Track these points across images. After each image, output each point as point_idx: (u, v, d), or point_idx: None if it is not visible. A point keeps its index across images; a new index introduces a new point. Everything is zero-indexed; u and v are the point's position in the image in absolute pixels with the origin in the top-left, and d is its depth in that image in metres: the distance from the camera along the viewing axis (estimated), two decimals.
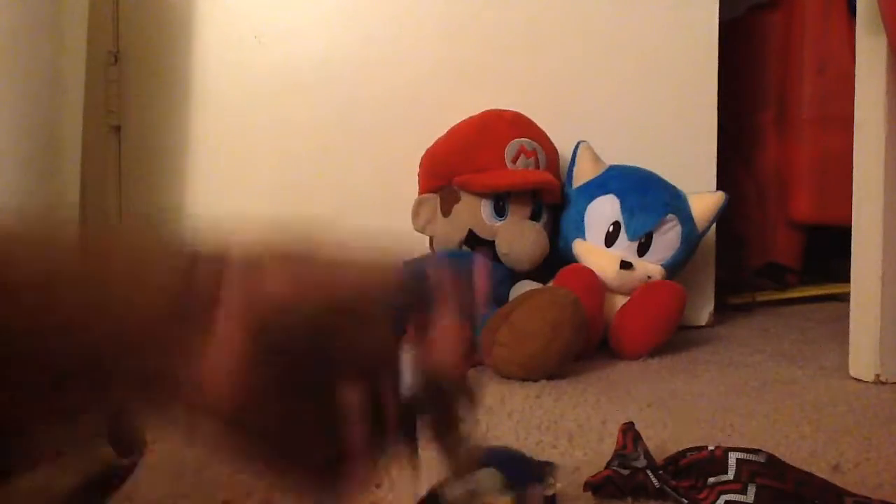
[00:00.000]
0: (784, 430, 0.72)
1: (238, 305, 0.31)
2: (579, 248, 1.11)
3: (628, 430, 0.60)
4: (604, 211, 1.11)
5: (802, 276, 1.47)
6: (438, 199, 1.12)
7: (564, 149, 1.17)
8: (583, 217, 1.12)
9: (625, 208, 1.10)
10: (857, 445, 0.67)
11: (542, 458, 0.64)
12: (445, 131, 1.15)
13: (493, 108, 1.15)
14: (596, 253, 1.10)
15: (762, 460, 0.54)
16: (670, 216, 1.10)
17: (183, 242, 0.35)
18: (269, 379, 0.30)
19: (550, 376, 0.91)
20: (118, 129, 1.32)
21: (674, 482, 0.55)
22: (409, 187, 1.16)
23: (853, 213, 0.89)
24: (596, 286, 1.04)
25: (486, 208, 1.08)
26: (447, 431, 0.39)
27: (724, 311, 1.32)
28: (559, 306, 0.90)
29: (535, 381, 0.90)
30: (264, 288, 0.31)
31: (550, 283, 1.04)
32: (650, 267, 1.09)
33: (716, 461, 0.54)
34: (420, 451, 0.38)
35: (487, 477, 0.38)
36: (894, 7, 0.79)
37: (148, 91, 1.31)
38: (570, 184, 1.15)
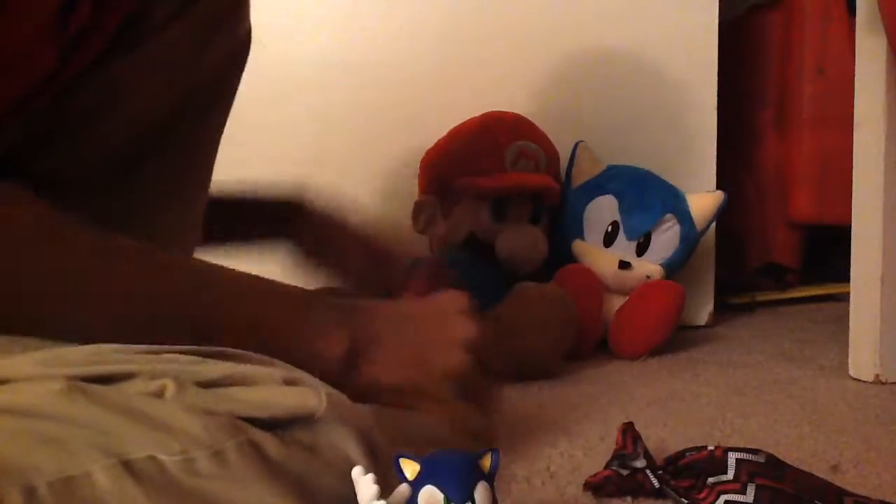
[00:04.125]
0: (784, 430, 0.72)
1: None
2: (578, 248, 1.11)
3: (628, 430, 0.60)
4: (602, 211, 1.11)
5: (802, 276, 1.47)
6: (438, 202, 1.11)
7: (563, 149, 1.17)
8: (581, 217, 1.12)
9: (623, 208, 1.10)
10: (857, 445, 0.67)
11: (542, 458, 0.64)
12: (446, 133, 1.15)
13: (494, 108, 1.15)
14: (594, 253, 1.10)
15: (762, 460, 0.54)
16: (669, 216, 1.10)
17: None
18: None
19: (548, 376, 0.91)
20: None
21: (673, 482, 0.55)
22: (410, 189, 1.16)
23: (853, 213, 0.89)
24: (595, 286, 1.04)
25: (485, 211, 1.08)
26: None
27: (724, 311, 1.32)
28: (547, 303, 0.90)
29: (528, 379, 0.90)
30: None
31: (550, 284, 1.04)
32: (649, 267, 1.09)
33: (715, 461, 0.54)
34: None
35: (429, 497, 0.38)
36: (894, 7, 0.79)
37: None
38: (569, 184, 1.15)
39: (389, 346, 0.53)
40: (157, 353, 0.41)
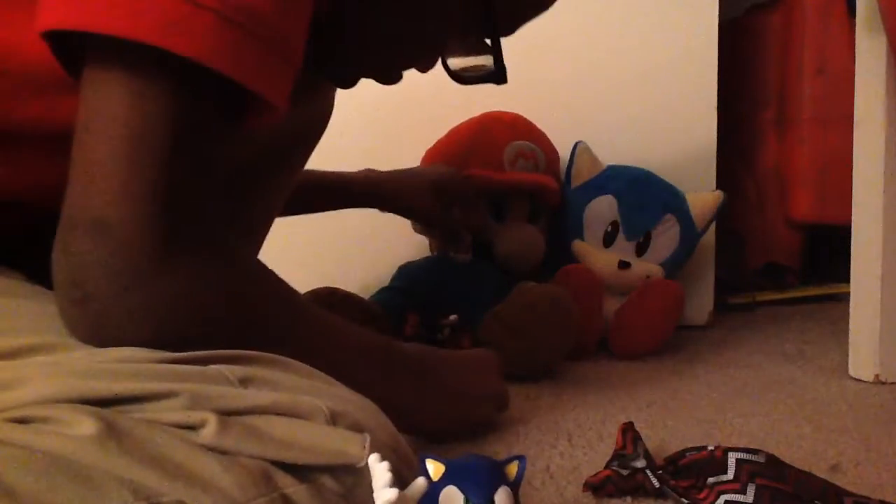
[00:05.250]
0: (784, 430, 0.72)
1: None
2: (578, 248, 1.11)
3: (627, 430, 0.60)
4: (602, 211, 1.11)
5: (802, 276, 1.47)
6: None
7: (563, 149, 1.17)
8: (581, 217, 1.12)
9: (623, 208, 1.10)
10: (857, 445, 0.67)
11: (542, 458, 0.64)
12: (445, 133, 1.15)
13: (494, 109, 1.15)
14: (594, 253, 1.10)
15: (762, 460, 0.54)
16: (668, 216, 1.10)
17: None
18: None
19: (548, 375, 0.91)
20: None
21: (673, 482, 0.55)
22: None
23: (853, 213, 0.89)
24: (595, 286, 1.04)
25: (484, 210, 1.08)
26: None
27: (724, 311, 1.32)
28: (547, 303, 0.90)
29: (529, 378, 0.90)
30: None
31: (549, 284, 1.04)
32: (649, 266, 1.09)
33: (715, 461, 0.54)
34: None
35: (449, 497, 0.38)
36: (894, 7, 0.79)
37: None
38: (569, 184, 1.15)
39: (437, 399, 0.63)
40: (202, 361, 0.40)
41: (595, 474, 0.57)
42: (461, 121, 1.15)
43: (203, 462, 0.36)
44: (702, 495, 0.53)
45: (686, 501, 0.53)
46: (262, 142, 0.57)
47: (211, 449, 0.36)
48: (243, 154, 0.53)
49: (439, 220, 1.03)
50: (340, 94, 1.30)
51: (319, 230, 1.28)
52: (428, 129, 1.16)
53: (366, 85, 1.31)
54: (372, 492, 0.37)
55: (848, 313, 0.91)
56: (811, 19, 1.34)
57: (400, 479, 0.39)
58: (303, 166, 0.75)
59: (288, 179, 0.73)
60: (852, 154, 0.89)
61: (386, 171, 1.02)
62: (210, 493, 0.35)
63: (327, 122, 0.77)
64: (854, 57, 0.88)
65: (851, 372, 0.90)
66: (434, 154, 1.14)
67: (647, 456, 0.58)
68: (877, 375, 0.88)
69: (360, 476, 0.39)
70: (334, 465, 0.38)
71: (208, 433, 0.36)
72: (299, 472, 0.38)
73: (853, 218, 0.89)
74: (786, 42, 1.38)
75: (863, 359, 0.89)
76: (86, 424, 0.35)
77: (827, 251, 1.40)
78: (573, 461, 0.64)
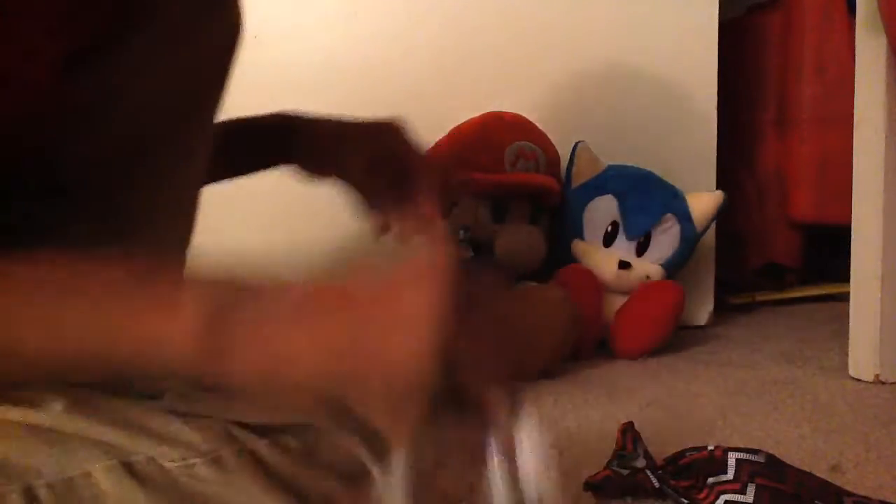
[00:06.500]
0: (784, 430, 0.72)
1: None
2: (578, 248, 1.11)
3: (627, 430, 0.60)
4: (602, 211, 1.11)
5: (802, 276, 1.47)
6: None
7: (564, 149, 1.16)
8: (581, 217, 1.12)
9: (623, 208, 1.10)
10: (856, 445, 0.67)
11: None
12: (447, 132, 1.15)
13: (494, 108, 1.15)
14: (594, 253, 1.10)
15: (762, 460, 0.54)
16: (669, 216, 1.10)
17: None
18: None
19: (548, 375, 0.91)
20: None
21: (673, 482, 0.55)
22: None
23: (853, 213, 0.89)
24: (595, 286, 1.04)
25: (484, 211, 1.08)
26: None
27: (724, 311, 1.32)
28: (548, 304, 0.90)
29: (528, 379, 0.90)
30: None
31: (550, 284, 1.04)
32: (649, 267, 1.09)
33: (715, 461, 0.54)
34: None
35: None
36: (894, 7, 0.79)
37: None
38: (569, 184, 1.15)
39: (298, 327, 0.33)
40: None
41: (595, 474, 0.57)
42: (462, 121, 1.14)
43: (167, 421, 0.37)
44: (702, 495, 0.53)
45: (686, 501, 0.54)
46: (163, 89, 0.44)
47: (172, 412, 0.37)
48: (147, 105, 0.43)
49: (361, 185, 0.67)
50: (339, 94, 1.30)
51: (320, 229, 1.28)
52: (429, 129, 1.16)
53: (365, 85, 1.31)
54: (334, 448, 0.39)
55: (848, 313, 0.91)
56: (811, 19, 1.34)
57: (374, 441, 0.38)
58: (212, 117, 0.56)
59: (195, 141, 0.54)
60: (852, 154, 0.89)
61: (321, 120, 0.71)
62: (177, 448, 0.36)
63: (230, 56, 0.56)
64: (854, 57, 0.88)
65: (851, 372, 0.90)
66: (435, 154, 1.14)
67: (647, 456, 0.58)
68: (877, 375, 0.88)
69: (321, 434, 0.40)
70: (294, 425, 0.39)
71: (169, 397, 0.38)
72: (259, 430, 0.39)
73: (853, 218, 0.89)
74: (786, 42, 1.38)
75: (863, 359, 0.89)
76: (56, 400, 0.36)
77: (827, 251, 1.40)
78: (573, 461, 0.64)
